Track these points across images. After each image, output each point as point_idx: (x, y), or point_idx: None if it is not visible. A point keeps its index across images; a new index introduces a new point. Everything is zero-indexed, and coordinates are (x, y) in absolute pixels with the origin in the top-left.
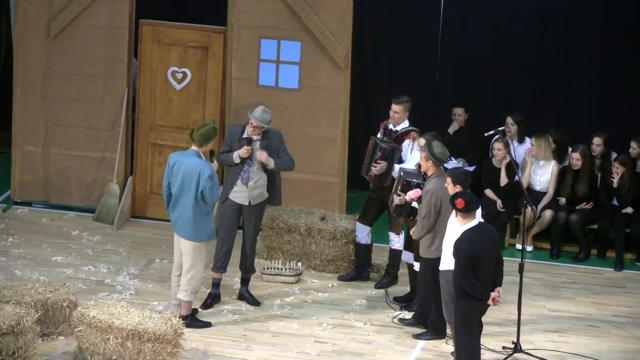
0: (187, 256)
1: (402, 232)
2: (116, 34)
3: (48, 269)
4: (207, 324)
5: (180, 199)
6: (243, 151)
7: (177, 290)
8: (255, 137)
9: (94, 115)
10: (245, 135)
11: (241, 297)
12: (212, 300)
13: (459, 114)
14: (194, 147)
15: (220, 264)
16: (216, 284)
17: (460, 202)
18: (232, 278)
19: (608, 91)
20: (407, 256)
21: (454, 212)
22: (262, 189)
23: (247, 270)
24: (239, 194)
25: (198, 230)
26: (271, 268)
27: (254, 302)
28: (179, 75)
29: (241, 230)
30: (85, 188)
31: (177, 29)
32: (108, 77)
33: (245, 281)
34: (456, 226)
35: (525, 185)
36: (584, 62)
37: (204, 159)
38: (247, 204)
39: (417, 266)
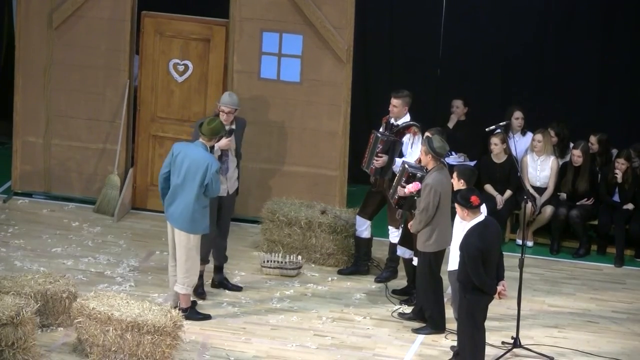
0: (182, 249)
1: (402, 226)
2: (118, 26)
3: (48, 260)
4: (207, 317)
5: (182, 191)
6: (225, 142)
7: (175, 280)
8: (231, 126)
9: (95, 107)
10: None
11: (221, 284)
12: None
13: (457, 106)
14: (201, 140)
15: (205, 257)
16: (200, 276)
17: (476, 200)
18: (232, 270)
19: (609, 87)
20: (401, 250)
21: (457, 208)
22: (235, 176)
23: (223, 260)
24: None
25: (196, 222)
26: (271, 261)
27: (237, 287)
28: (181, 68)
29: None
30: (85, 179)
31: (179, 21)
32: (110, 69)
33: (221, 269)
34: (462, 223)
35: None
36: (586, 58)
37: (209, 152)
38: (226, 194)
39: (416, 261)
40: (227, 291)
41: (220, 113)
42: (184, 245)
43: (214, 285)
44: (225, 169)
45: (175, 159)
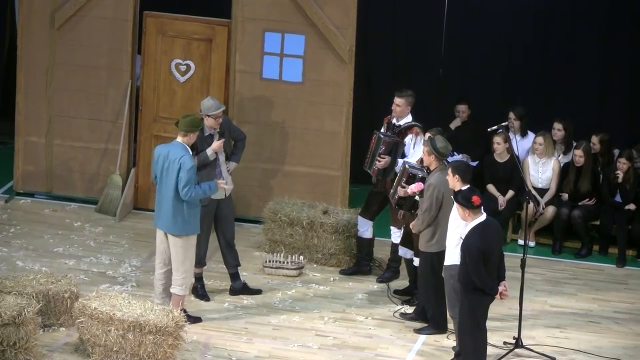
0: (180, 250)
1: (403, 226)
2: (120, 26)
3: (50, 260)
4: (198, 319)
5: (168, 194)
6: (218, 144)
7: (161, 288)
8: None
9: (97, 107)
10: (207, 133)
11: (242, 291)
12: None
13: (463, 111)
14: (179, 139)
15: (202, 260)
16: (199, 278)
17: (477, 200)
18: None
19: (611, 87)
20: (402, 251)
21: (458, 208)
22: (230, 177)
23: (237, 264)
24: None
25: (189, 224)
26: (273, 261)
27: (257, 290)
28: (183, 68)
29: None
30: (87, 179)
31: (181, 21)
32: (112, 69)
33: (237, 275)
34: (461, 221)
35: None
36: (588, 58)
37: (189, 150)
38: (224, 196)
39: (417, 261)
40: (228, 291)
41: (205, 119)
42: (180, 246)
43: (234, 293)
44: (218, 172)
45: (156, 163)
